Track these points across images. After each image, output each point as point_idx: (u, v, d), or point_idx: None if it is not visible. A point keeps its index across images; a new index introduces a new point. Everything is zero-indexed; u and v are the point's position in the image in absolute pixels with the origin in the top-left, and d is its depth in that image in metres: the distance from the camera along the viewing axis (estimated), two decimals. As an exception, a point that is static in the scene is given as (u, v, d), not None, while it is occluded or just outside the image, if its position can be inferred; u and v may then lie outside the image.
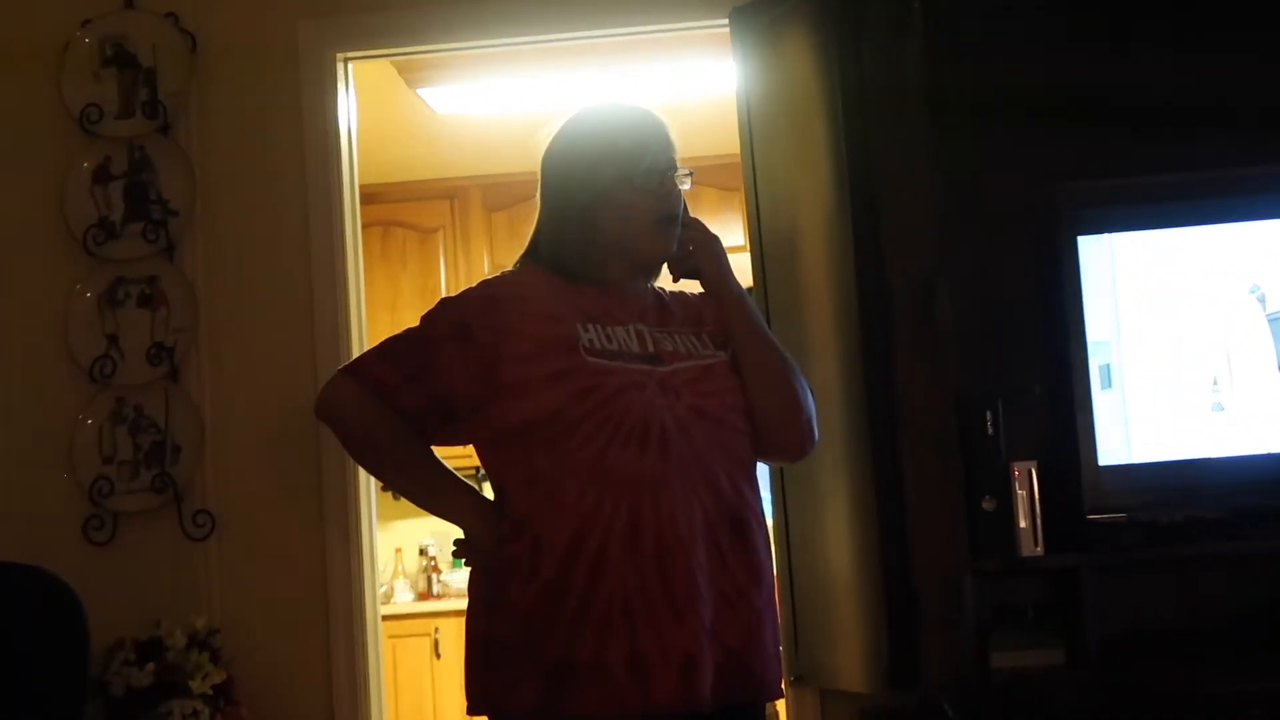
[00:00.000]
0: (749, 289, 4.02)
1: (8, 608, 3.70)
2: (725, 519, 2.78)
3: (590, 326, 2.83)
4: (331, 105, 4.60)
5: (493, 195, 7.67)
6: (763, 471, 3.04)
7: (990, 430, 4.04)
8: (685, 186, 2.93)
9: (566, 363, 2.77)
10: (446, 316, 2.89)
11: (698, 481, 2.76)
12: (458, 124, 6.76)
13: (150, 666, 4.18)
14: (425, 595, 7.71)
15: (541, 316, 2.83)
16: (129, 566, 4.43)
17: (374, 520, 4.56)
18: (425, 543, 7.72)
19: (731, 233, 6.73)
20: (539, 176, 2.98)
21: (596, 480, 2.72)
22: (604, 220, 2.88)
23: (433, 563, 7.72)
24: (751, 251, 4.45)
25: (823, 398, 3.19)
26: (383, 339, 2.95)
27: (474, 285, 2.95)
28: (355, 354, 4.38)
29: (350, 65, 4.70)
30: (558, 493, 2.74)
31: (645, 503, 2.71)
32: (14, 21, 4.65)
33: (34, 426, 4.50)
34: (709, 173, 6.89)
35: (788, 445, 2.97)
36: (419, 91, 6.16)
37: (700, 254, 2.97)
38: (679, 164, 2.93)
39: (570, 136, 2.96)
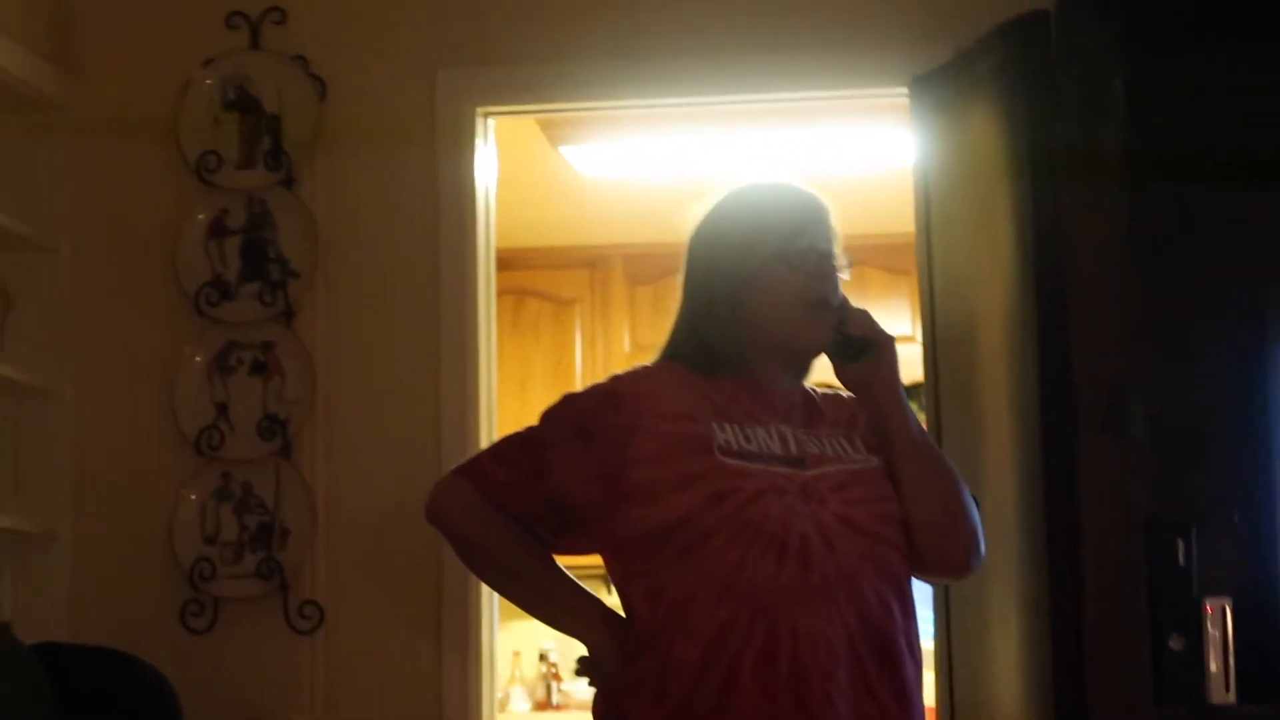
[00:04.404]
0: (917, 384, 4.06)
1: (101, 698, 3.79)
2: (871, 640, 2.74)
3: (727, 425, 2.82)
4: (469, 163, 4.67)
5: (636, 266, 7.66)
6: (925, 594, 3.01)
7: (1182, 561, 3.96)
8: (844, 277, 2.92)
9: (699, 465, 2.76)
10: (566, 415, 2.91)
11: (840, 598, 2.72)
12: (602, 187, 6.82)
13: (245, 768, 4.24)
14: (544, 705, 7.69)
15: (672, 415, 2.82)
16: (228, 658, 4.48)
17: (495, 622, 4.59)
18: (546, 647, 7.67)
19: (898, 320, 6.76)
20: (684, 259, 2.98)
21: (730, 595, 2.70)
22: (753, 302, 2.87)
23: (554, 669, 7.68)
24: (923, 342, 4.49)
25: (996, 512, 3.13)
26: (501, 436, 3.00)
27: (602, 381, 2.96)
28: (483, 435, 4.50)
29: (491, 121, 4.77)
30: (688, 607, 2.73)
31: (782, 620, 2.69)
32: (133, 55, 4.76)
33: (133, 499, 4.58)
34: (875, 253, 6.90)
35: (950, 560, 2.93)
36: (562, 150, 6.21)
37: (878, 353, 2.91)
38: (839, 254, 2.92)
39: (723, 212, 2.96)
